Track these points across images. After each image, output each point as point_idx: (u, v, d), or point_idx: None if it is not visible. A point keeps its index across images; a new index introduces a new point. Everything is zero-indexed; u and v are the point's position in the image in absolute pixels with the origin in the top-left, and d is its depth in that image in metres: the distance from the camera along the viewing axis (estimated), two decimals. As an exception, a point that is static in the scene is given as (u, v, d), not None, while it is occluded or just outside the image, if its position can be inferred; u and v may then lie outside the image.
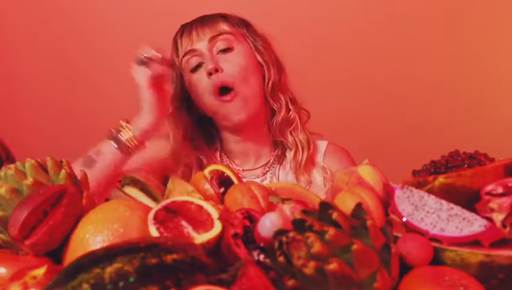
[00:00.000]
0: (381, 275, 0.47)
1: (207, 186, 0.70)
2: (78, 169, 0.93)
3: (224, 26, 1.14)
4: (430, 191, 0.61)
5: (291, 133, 1.19)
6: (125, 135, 0.97)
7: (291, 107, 1.19)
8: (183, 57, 1.14)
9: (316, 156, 1.22)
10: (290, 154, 1.19)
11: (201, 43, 1.13)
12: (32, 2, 2.09)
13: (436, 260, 0.54)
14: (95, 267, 0.42)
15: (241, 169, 1.20)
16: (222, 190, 0.71)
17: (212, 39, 1.12)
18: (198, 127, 1.21)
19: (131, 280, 0.40)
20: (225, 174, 0.73)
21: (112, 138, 0.97)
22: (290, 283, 0.47)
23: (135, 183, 0.72)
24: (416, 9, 2.01)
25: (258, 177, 1.20)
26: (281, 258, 0.49)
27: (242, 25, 1.19)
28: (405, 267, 0.52)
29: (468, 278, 0.50)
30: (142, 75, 0.99)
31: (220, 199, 0.69)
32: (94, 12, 2.09)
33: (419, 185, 0.62)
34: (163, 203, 0.57)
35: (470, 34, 2.06)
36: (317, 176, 1.19)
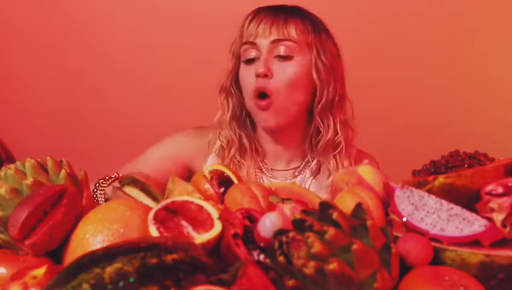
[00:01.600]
0: (381, 275, 0.47)
1: (207, 186, 0.70)
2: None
3: (293, 32, 1.09)
4: (430, 191, 0.61)
5: (334, 157, 1.14)
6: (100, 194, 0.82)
7: (339, 131, 1.13)
8: (244, 44, 1.12)
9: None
10: (329, 179, 1.14)
11: (264, 40, 1.09)
12: (33, 3, 2.09)
13: (436, 260, 0.54)
14: (95, 267, 0.42)
15: (270, 168, 1.18)
16: (222, 190, 0.71)
17: (276, 42, 1.08)
18: (246, 110, 1.18)
19: (131, 280, 0.40)
20: (225, 174, 0.73)
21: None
22: (290, 283, 0.47)
23: (135, 183, 0.72)
24: (415, 9, 2.01)
25: (286, 179, 1.17)
26: (281, 258, 0.49)
27: (315, 31, 1.12)
28: (405, 267, 0.52)
29: (468, 278, 0.50)
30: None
31: (220, 199, 0.69)
32: (94, 13, 2.09)
33: (419, 185, 0.62)
34: (163, 203, 0.57)
35: (470, 34, 2.06)
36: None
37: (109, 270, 0.41)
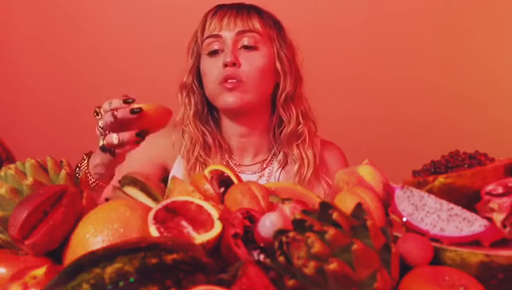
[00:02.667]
0: (381, 275, 0.47)
1: (207, 186, 0.70)
2: None
3: (256, 24, 1.13)
4: (430, 191, 0.61)
5: (297, 147, 1.17)
6: (82, 170, 0.86)
7: (301, 121, 1.17)
8: (207, 38, 1.14)
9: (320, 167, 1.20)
10: (294, 168, 1.17)
11: (228, 32, 1.12)
12: (33, 3, 2.09)
13: (436, 260, 0.54)
14: (95, 267, 0.42)
15: (237, 163, 1.19)
16: (222, 189, 0.71)
17: (241, 33, 1.12)
18: (208, 107, 1.20)
19: (132, 280, 0.40)
20: (225, 174, 0.73)
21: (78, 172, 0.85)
22: (290, 283, 0.47)
23: (135, 183, 0.72)
24: (415, 9, 2.01)
25: (255, 173, 1.19)
26: (281, 258, 0.49)
27: (275, 26, 1.17)
28: (405, 267, 0.52)
29: (468, 278, 0.50)
30: (106, 156, 0.83)
31: (220, 199, 0.69)
32: (95, 13, 2.09)
33: (419, 185, 0.62)
34: (163, 203, 0.57)
35: (470, 34, 2.06)
36: (320, 190, 1.17)
37: (109, 270, 0.41)
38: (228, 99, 1.11)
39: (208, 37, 1.13)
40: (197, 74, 1.18)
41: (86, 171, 0.86)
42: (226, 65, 1.09)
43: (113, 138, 0.79)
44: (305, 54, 1.21)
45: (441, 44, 2.04)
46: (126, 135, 0.79)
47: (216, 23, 1.13)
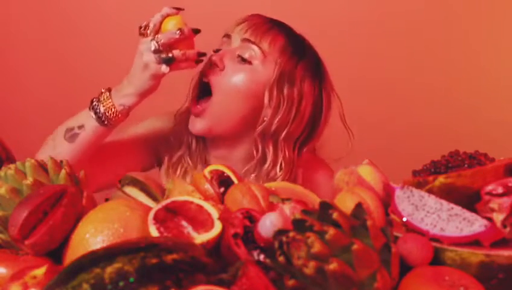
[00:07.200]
0: (381, 275, 0.47)
1: (207, 186, 0.70)
2: (58, 140, 0.94)
3: (265, 43, 1.00)
4: (430, 191, 0.61)
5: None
6: (105, 104, 0.91)
7: (282, 167, 1.01)
8: (223, 37, 1.06)
9: None
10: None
11: (237, 36, 1.02)
12: (33, 2, 2.09)
13: (436, 260, 0.54)
14: (95, 267, 0.42)
15: None
16: (222, 189, 0.71)
17: (245, 41, 1.00)
18: None
19: (132, 279, 0.40)
20: (225, 174, 0.73)
21: (93, 109, 0.91)
22: (290, 283, 0.47)
23: (135, 183, 0.72)
24: (415, 9, 2.01)
25: None
26: (281, 258, 0.49)
27: (296, 58, 1.02)
28: (405, 267, 0.52)
29: (468, 278, 0.50)
30: (153, 67, 0.88)
31: (220, 199, 0.69)
32: (95, 12, 2.09)
33: (419, 185, 0.62)
34: (163, 203, 0.57)
35: (470, 34, 2.06)
36: None
37: (109, 270, 0.41)
38: (191, 127, 1.02)
39: (223, 36, 1.06)
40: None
41: (110, 103, 0.91)
42: (210, 64, 1.01)
43: (180, 53, 0.88)
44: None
45: (440, 44, 2.04)
46: (191, 52, 0.90)
47: (234, 24, 1.05)
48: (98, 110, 0.91)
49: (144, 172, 1.11)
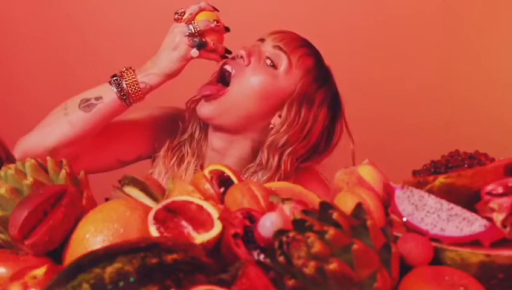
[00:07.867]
0: (381, 275, 0.47)
1: (207, 186, 0.70)
2: (71, 109, 0.96)
3: (295, 57, 1.02)
4: (430, 191, 0.61)
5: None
6: (128, 80, 0.94)
7: (279, 179, 1.01)
8: (257, 41, 1.07)
9: None
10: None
11: (270, 42, 1.03)
12: (33, 2, 2.09)
13: (436, 260, 0.54)
14: (95, 267, 0.42)
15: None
16: (222, 189, 0.71)
17: (276, 48, 1.02)
18: None
19: (131, 279, 0.40)
20: (225, 174, 0.73)
21: (114, 83, 0.94)
22: (290, 283, 0.47)
23: (135, 183, 0.72)
24: (415, 9, 2.01)
25: None
26: (281, 258, 0.49)
27: (318, 83, 1.04)
28: (405, 267, 0.52)
29: (468, 278, 0.50)
30: (184, 48, 0.93)
31: (220, 199, 0.69)
32: (95, 13, 2.09)
33: (419, 185, 0.62)
34: (163, 203, 0.57)
35: (470, 34, 2.06)
36: None
37: (109, 270, 0.41)
38: (199, 109, 1.03)
39: (257, 39, 1.07)
40: None
41: (134, 79, 0.93)
42: (234, 58, 1.01)
43: (211, 42, 0.94)
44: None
45: (440, 44, 2.04)
46: (221, 45, 0.97)
47: (272, 32, 1.05)
48: (120, 84, 0.93)
49: (139, 161, 1.13)
